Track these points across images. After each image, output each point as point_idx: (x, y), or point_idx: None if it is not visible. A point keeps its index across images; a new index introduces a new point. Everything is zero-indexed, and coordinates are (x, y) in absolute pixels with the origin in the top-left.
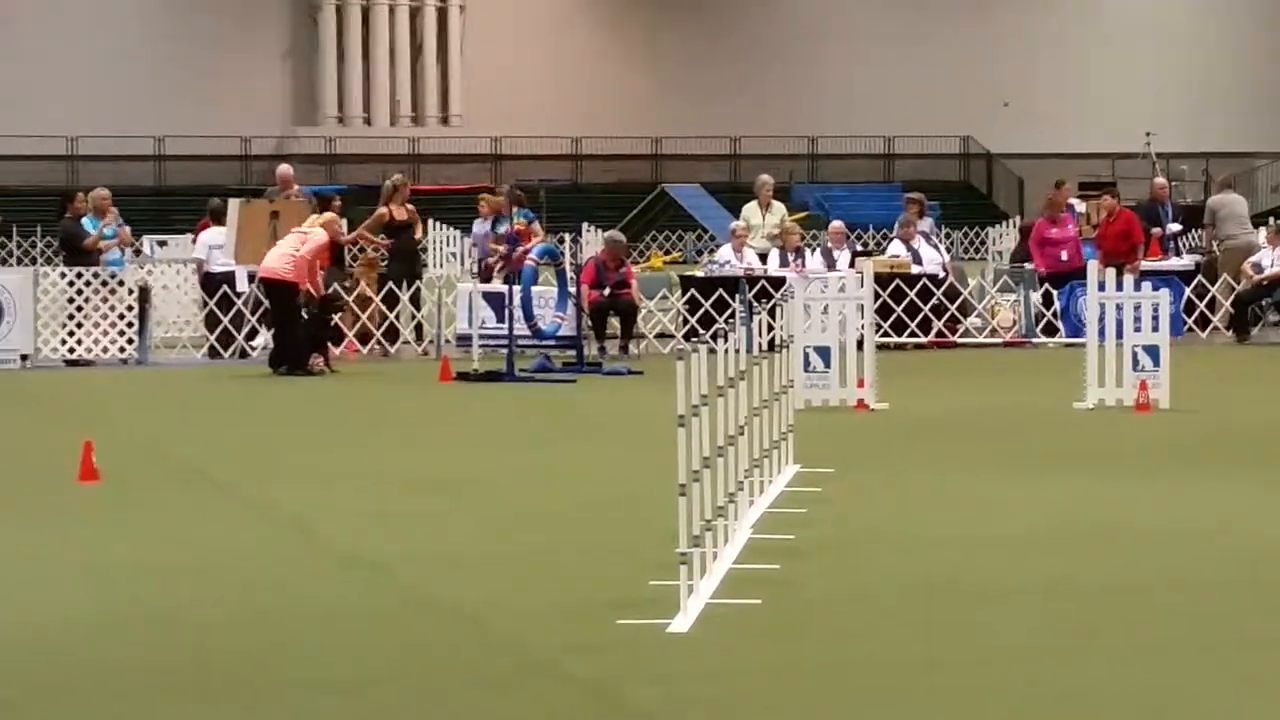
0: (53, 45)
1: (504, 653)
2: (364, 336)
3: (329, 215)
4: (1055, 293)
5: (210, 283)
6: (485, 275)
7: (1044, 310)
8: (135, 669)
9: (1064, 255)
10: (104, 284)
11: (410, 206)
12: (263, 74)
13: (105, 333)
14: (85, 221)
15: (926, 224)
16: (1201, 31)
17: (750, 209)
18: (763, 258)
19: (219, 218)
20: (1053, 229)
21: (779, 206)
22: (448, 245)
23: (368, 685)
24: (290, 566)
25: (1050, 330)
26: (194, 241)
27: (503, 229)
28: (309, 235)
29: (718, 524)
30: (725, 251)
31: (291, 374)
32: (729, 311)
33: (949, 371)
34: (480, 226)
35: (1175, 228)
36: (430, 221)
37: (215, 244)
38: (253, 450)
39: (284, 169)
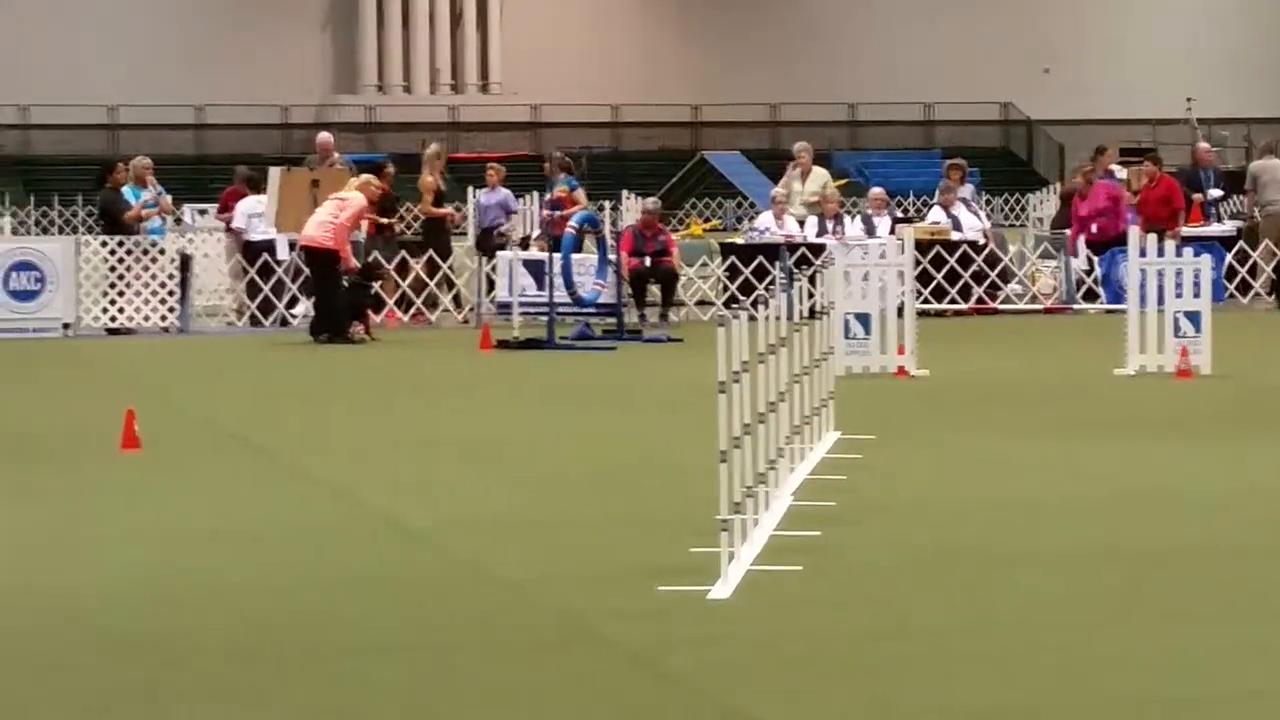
0: (93, 14)
1: (544, 619)
2: (405, 303)
3: (365, 177)
4: (1096, 259)
5: (250, 251)
6: (487, 245)
7: (1085, 277)
8: (176, 635)
9: (1094, 228)
10: (145, 252)
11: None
12: (303, 42)
13: (147, 301)
14: (126, 191)
15: (967, 190)
16: None
17: (793, 179)
18: (800, 225)
19: (256, 186)
20: (1084, 206)
21: (820, 173)
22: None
23: (407, 650)
24: (330, 533)
25: (1091, 296)
26: (220, 211)
27: (549, 195)
28: (347, 201)
29: (758, 491)
30: (765, 219)
31: (332, 342)
32: (769, 278)
33: (989, 338)
34: (486, 197)
35: (1216, 193)
36: (470, 189)
37: (253, 212)
38: (293, 418)
39: (324, 137)
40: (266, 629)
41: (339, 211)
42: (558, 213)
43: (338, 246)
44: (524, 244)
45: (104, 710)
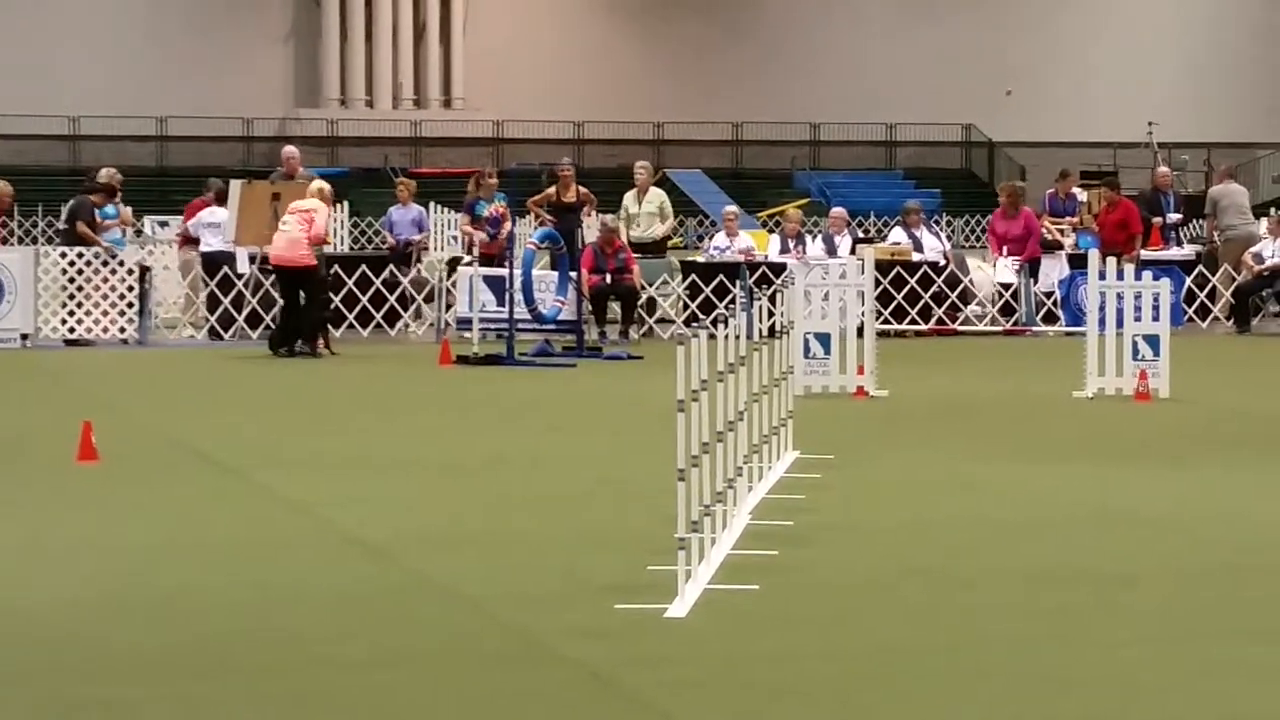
0: (55, 25)
1: (503, 636)
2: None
3: (319, 183)
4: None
5: (209, 264)
6: (403, 258)
7: (1004, 291)
8: (135, 650)
9: (1004, 250)
10: (104, 264)
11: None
12: (265, 55)
13: (105, 313)
14: (101, 211)
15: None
16: (1204, 21)
17: (628, 197)
18: (641, 247)
19: (222, 198)
20: (1002, 224)
21: (656, 193)
22: (449, 228)
23: (365, 667)
24: (290, 549)
25: (1050, 319)
26: (184, 222)
27: (485, 212)
28: (314, 212)
29: (716, 509)
30: (720, 238)
31: (294, 355)
32: (729, 297)
33: (949, 359)
34: (399, 213)
35: (1176, 217)
36: (432, 204)
37: (210, 222)
38: (252, 432)
39: (290, 150)
40: (225, 644)
41: (308, 225)
42: (498, 231)
43: (314, 260)
44: (402, 259)
45: None
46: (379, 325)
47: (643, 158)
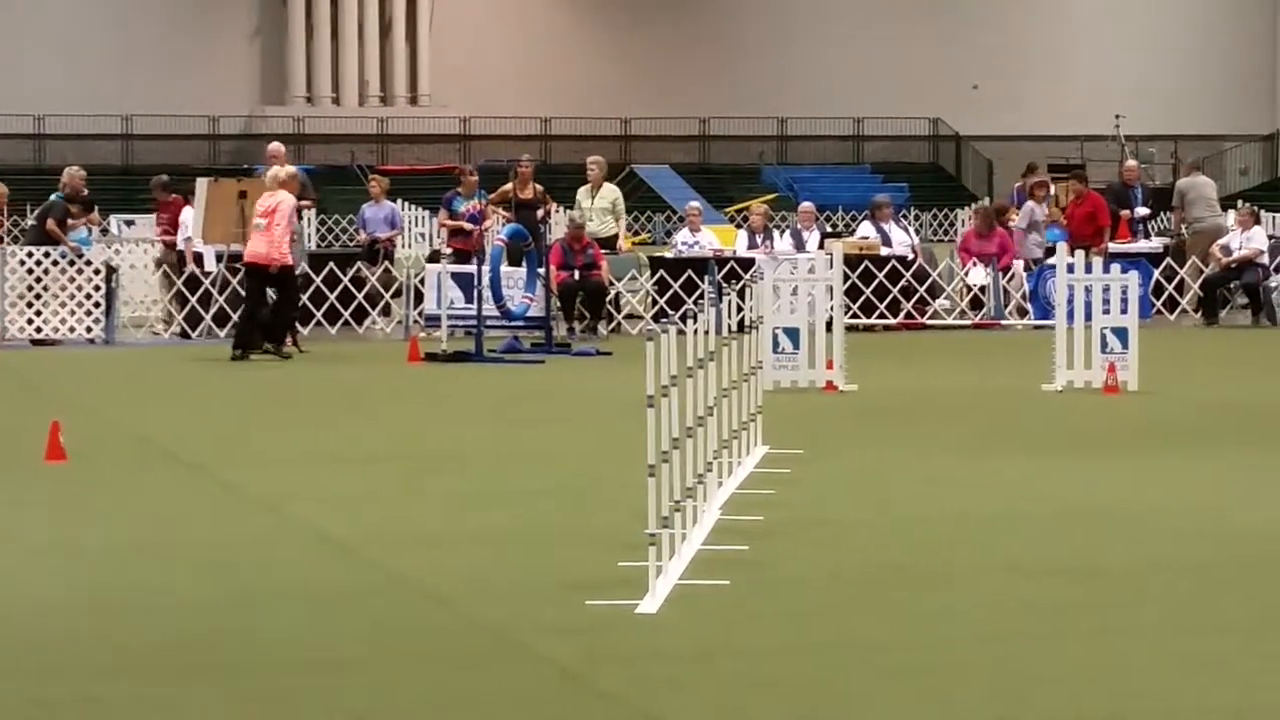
0: (20, 22)
1: (474, 633)
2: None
3: (290, 170)
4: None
5: (180, 262)
6: (370, 256)
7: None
8: (103, 649)
9: (977, 263)
10: (71, 263)
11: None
12: (231, 53)
13: (72, 312)
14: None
15: (1041, 211)
16: (1171, 14)
17: (581, 192)
18: (604, 242)
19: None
20: (976, 244)
21: (610, 189)
22: (416, 225)
23: (337, 665)
24: (260, 547)
25: (1020, 312)
26: (157, 222)
27: (463, 208)
28: (278, 206)
29: (687, 505)
30: (684, 233)
31: (266, 352)
32: (698, 292)
33: (918, 353)
34: (371, 210)
35: (1144, 211)
36: (399, 201)
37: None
38: (221, 431)
39: (276, 146)
40: (197, 642)
41: (275, 220)
42: (479, 226)
43: (286, 255)
44: (372, 256)
45: None
46: (347, 323)
47: (610, 154)
